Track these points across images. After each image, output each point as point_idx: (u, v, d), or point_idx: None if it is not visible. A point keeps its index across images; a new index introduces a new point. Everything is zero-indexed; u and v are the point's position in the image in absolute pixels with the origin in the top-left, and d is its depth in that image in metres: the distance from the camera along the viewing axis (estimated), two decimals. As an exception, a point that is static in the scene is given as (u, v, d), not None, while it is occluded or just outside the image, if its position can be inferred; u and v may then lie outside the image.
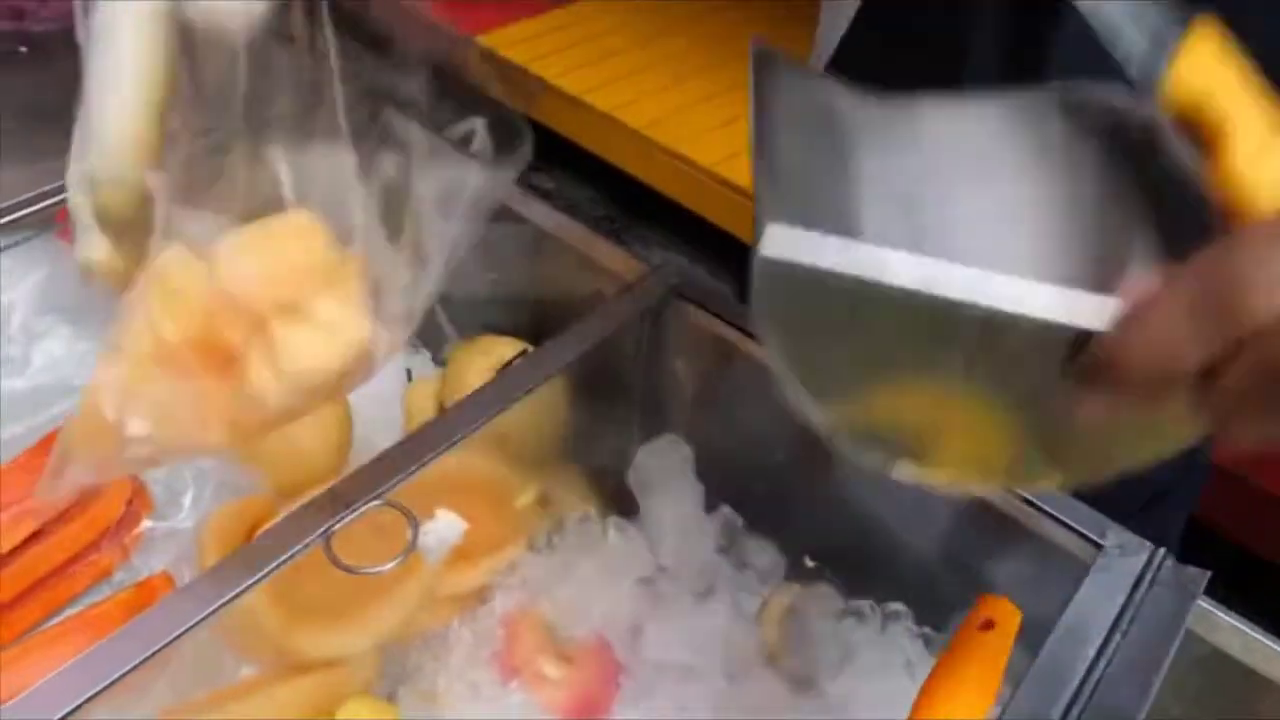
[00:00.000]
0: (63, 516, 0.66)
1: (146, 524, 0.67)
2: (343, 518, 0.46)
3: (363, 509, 0.47)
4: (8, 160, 0.77)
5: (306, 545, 0.45)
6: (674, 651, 0.64)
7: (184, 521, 0.67)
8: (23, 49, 0.80)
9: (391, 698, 0.58)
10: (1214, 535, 1.15)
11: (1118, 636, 0.46)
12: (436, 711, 0.59)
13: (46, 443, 0.67)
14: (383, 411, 0.80)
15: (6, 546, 0.62)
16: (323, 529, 0.46)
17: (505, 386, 0.55)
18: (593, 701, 0.62)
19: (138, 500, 0.68)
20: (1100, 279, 0.30)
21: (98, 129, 0.40)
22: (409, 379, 0.82)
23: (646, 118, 1.68)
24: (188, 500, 0.69)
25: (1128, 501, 0.70)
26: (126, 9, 0.39)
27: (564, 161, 1.73)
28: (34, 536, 0.64)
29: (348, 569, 0.44)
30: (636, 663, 0.64)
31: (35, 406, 0.72)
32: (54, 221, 0.82)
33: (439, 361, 0.84)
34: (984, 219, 0.34)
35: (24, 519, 0.64)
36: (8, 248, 0.76)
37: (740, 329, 0.60)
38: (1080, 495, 0.53)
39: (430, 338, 0.86)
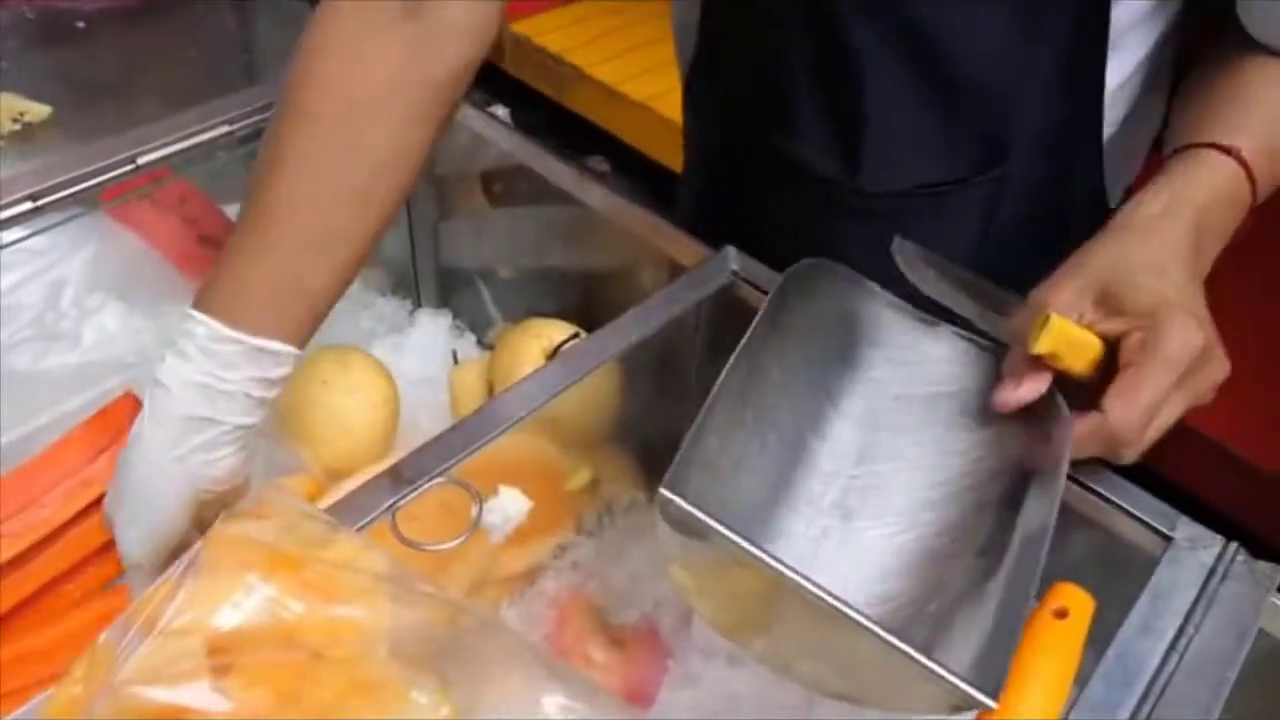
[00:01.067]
0: (111, 494, 0.66)
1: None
2: (408, 494, 0.46)
3: (427, 485, 0.46)
4: (59, 136, 0.77)
5: (372, 520, 0.45)
6: (722, 639, 0.63)
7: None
8: (79, 24, 0.81)
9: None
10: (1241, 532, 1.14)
11: (1190, 630, 0.45)
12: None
13: (99, 418, 0.67)
14: (429, 394, 0.80)
15: (63, 517, 0.62)
16: (388, 504, 0.46)
17: (563, 370, 0.54)
18: (640, 687, 0.61)
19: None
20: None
21: None
22: (455, 361, 0.82)
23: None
24: (238, 478, 0.68)
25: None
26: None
27: (608, 150, 1.73)
28: (84, 511, 0.64)
29: (412, 544, 0.44)
30: (684, 649, 0.63)
31: (87, 382, 0.72)
32: (103, 199, 0.82)
33: (484, 345, 0.84)
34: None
35: (80, 490, 0.64)
36: (59, 224, 0.76)
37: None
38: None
39: (476, 321, 0.85)
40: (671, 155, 1.65)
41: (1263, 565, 0.48)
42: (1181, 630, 0.45)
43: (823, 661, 0.43)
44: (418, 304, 0.87)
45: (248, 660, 0.35)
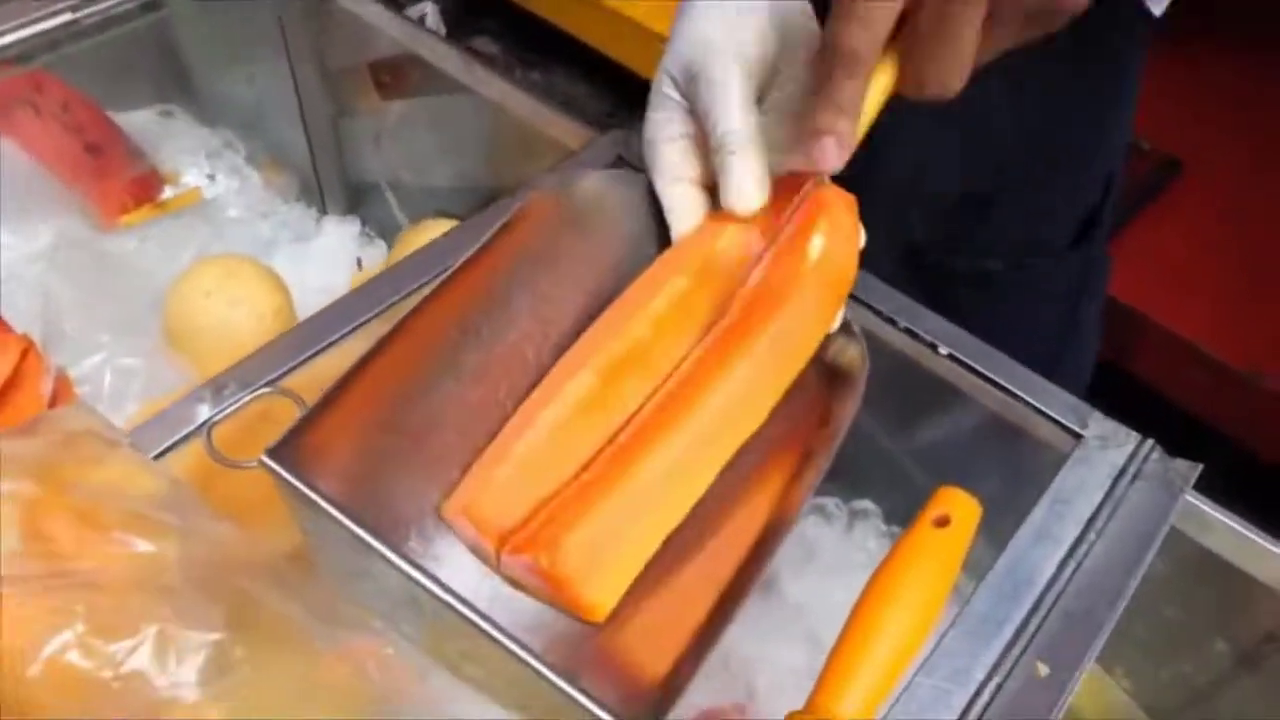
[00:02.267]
0: (-18, 413, 0.62)
1: (67, 423, 0.62)
2: (226, 408, 0.42)
3: (250, 397, 0.42)
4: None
5: (184, 439, 0.41)
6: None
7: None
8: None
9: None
10: (1215, 435, 1.10)
11: (1092, 535, 0.41)
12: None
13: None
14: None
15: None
16: (203, 421, 0.41)
17: (420, 264, 0.49)
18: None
19: (62, 399, 0.64)
20: None
21: None
22: (359, 268, 0.78)
23: (645, 7, 1.58)
24: (114, 399, 0.64)
25: (1059, 236, 0.68)
26: None
27: (563, 57, 1.64)
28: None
29: (227, 463, 0.39)
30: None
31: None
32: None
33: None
34: None
35: (-63, 413, 0.60)
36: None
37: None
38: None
39: (385, 226, 0.80)
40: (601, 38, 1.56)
41: (1180, 464, 0.44)
42: (1081, 537, 0.41)
43: (483, 668, 0.36)
44: (324, 211, 0.82)
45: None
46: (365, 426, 0.36)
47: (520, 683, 0.33)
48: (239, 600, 0.33)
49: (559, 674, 0.32)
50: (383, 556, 0.33)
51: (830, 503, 0.59)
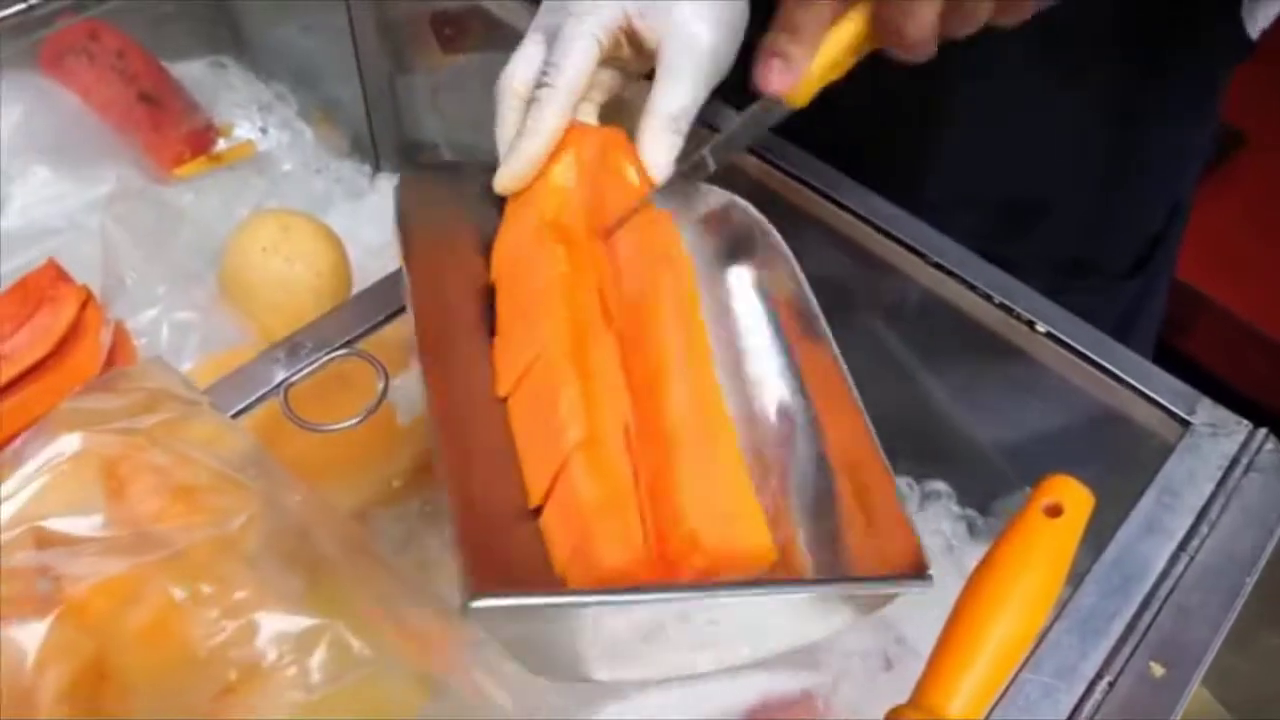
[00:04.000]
0: (41, 365, 0.61)
1: (126, 377, 0.61)
2: (302, 369, 0.40)
3: (324, 359, 0.41)
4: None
5: (260, 399, 0.40)
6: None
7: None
8: None
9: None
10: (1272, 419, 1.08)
11: (1204, 530, 0.39)
12: (434, 583, 0.54)
13: (18, 288, 0.62)
14: (387, 263, 0.73)
15: (-21, 396, 0.57)
16: (279, 381, 0.40)
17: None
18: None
19: (120, 352, 0.63)
20: None
21: None
22: (414, 229, 0.76)
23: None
24: (171, 353, 0.63)
25: (1110, 261, 0.64)
26: None
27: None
28: (9, 386, 0.60)
29: (305, 425, 0.38)
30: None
31: (9, 250, 0.67)
32: (35, 51, 0.75)
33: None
34: None
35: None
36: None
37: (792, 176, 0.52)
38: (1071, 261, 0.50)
39: (439, 186, 0.79)
40: None
41: (1296, 454, 0.42)
42: (1194, 529, 0.39)
43: (720, 643, 0.37)
44: (377, 168, 0.81)
45: (75, 559, 0.30)
46: (484, 516, 0.34)
47: (773, 621, 0.35)
48: (318, 566, 0.32)
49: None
50: (615, 604, 0.32)
51: (902, 482, 0.57)
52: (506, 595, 0.30)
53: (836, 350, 0.41)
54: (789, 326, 0.43)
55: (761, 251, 0.44)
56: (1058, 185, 0.61)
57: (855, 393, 0.39)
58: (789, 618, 0.36)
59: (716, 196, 0.46)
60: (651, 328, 0.39)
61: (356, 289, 0.69)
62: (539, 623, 0.32)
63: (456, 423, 0.36)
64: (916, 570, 0.34)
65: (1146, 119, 0.59)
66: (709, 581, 0.34)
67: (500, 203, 0.45)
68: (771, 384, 0.42)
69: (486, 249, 0.44)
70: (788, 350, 0.43)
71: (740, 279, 0.45)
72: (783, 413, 0.42)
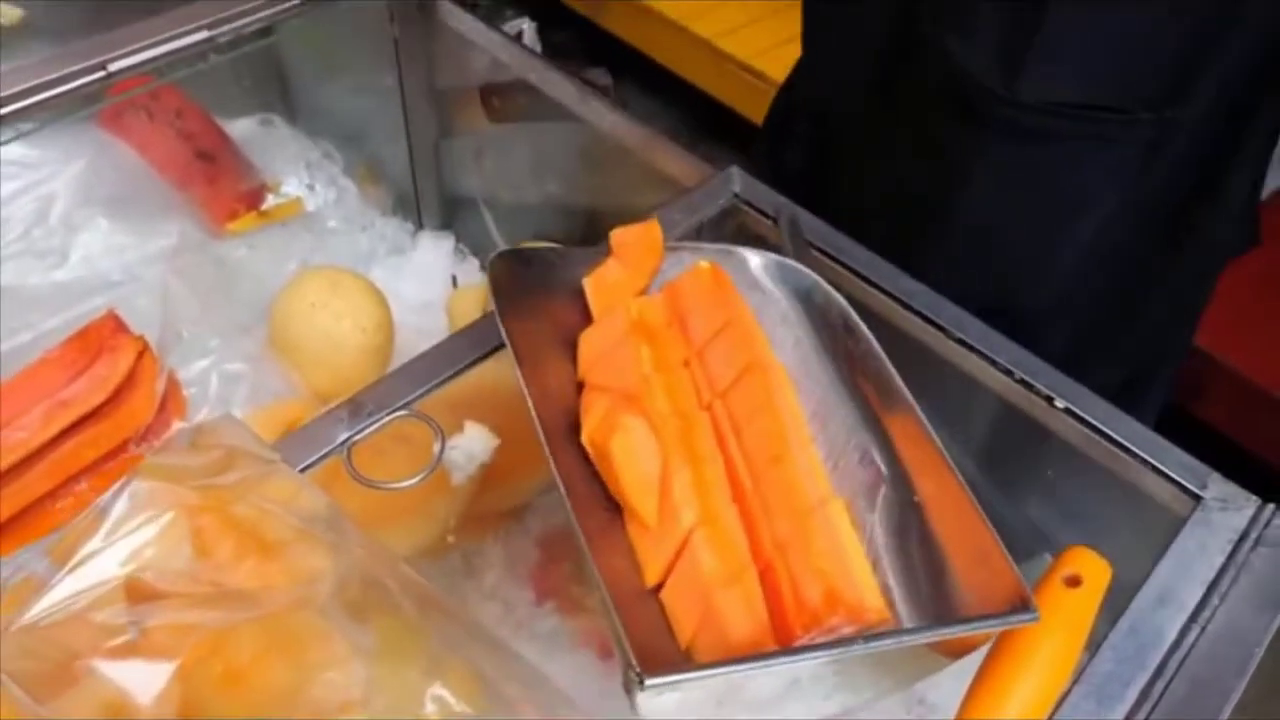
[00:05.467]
0: (97, 413, 0.64)
1: (178, 425, 0.64)
2: (364, 428, 0.43)
3: (387, 419, 0.43)
4: (31, 40, 0.74)
5: (325, 456, 0.42)
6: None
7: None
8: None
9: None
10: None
11: (1215, 601, 0.41)
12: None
13: (79, 338, 0.65)
14: (429, 319, 0.76)
15: (41, 438, 0.60)
16: (344, 439, 0.43)
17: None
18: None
19: (171, 402, 0.66)
20: None
21: None
22: (454, 286, 0.79)
23: (716, 28, 1.60)
24: (220, 403, 0.66)
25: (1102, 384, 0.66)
26: None
27: (635, 73, 1.66)
28: (67, 431, 0.63)
29: (368, 483, 0.41)
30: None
31: (71, 300, 0.70)
32: (93, 106, 0.79)
33: (486, 269, 0.80)
34: None
35: (59, 411, 0.63)
36: (39, 130, 0.73)
37: (812, 246, 0.55)
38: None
39: (479, 244, 0.82)
40: (706, 77, 1.58)
41: (1303, 530, 0.44)
42: (1205, 600, 0.41)
43: (844, 689, 0.39)
44: (419, 225, 0.84)
45: (164, 611, 0.32)
46: (628, 594, 0.37)
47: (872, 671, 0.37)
48: (391, 618, 0.34)
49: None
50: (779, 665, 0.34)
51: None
52: (675, 671, 0.32)
53: (923, 416, 0.43)
54: (875, 400, 0.45)
55: (844, 332, 0.47)
56: (1039, 303, 0.62)
57: (947, 455, 0.42)
58: (904, 661, 0.38)
59: (798, 275, 0.48)
60: (755, 410, 0.42)
61: (397, 343, 0.72)
62: (693, 691, 0.34)
63: (586, 509, 0.38)
64: (1020, 605, 0.35)
65: (1149, 281, 0.62)
66: (849, 637, 0.36)
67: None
68: (855, 445, 0.44)
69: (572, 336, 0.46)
70: (874, 417, 0.45)
71: (824, 357, 0.47)
72: (870, 473, 0.43)
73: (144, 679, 0.30)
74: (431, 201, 0.83)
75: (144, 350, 0.65)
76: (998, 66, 0.55)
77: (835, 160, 0.69)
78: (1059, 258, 0.62)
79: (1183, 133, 0.56)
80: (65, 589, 0.33)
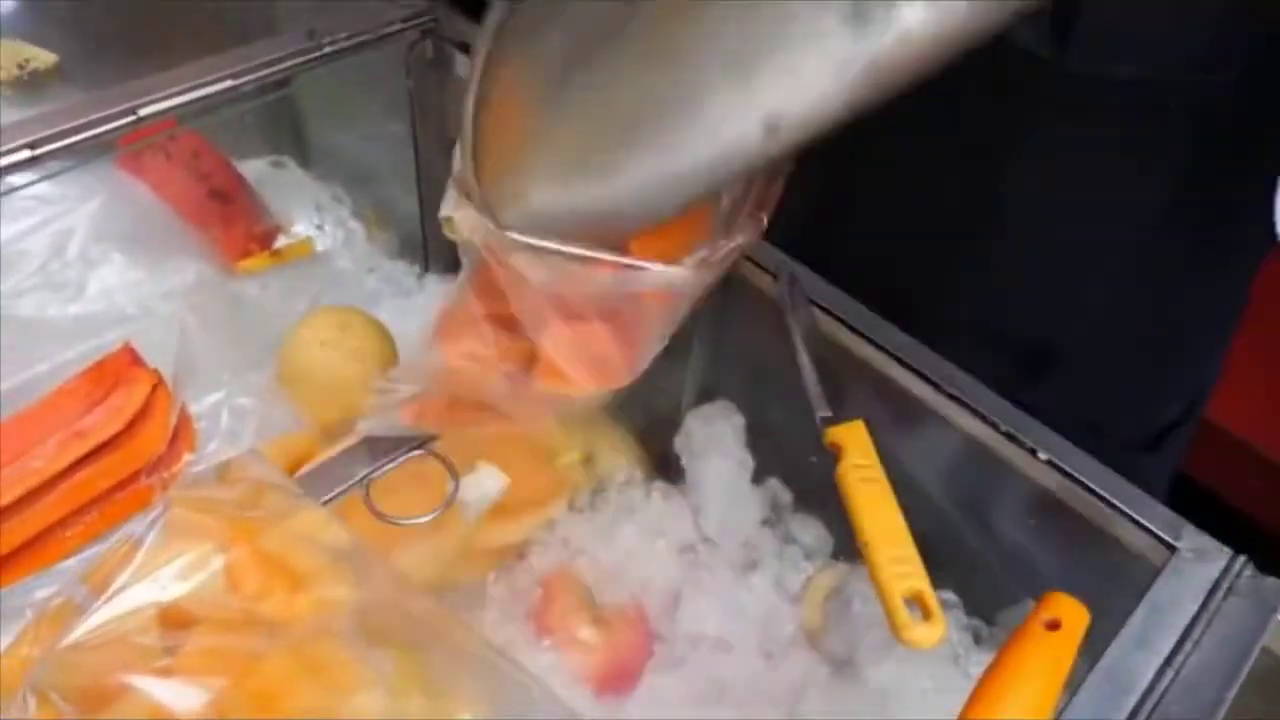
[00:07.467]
0: (111, 443, 0.66)
1: (188, 457, 0.66)
2: (383, 465, 0.45)
3: (404, 458, 0.45)
4: (65, 85, 0.76)
5: (344, 491, 0.44)
6: (710, 623, 0.62)
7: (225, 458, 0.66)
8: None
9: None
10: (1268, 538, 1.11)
11: (1188, 647, 0.43)
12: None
13: (95, 369, 0.67)
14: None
15: (57, 467, 0.62)
16: (362, 475, 0.45)
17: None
18: (624, 668, 0.60)
19: (182, 435, 0.68)
20: None
21: None
22: (460, 326, 0.81)
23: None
24: (229, 436, 0.68)
25: (1140, 435, 0.66)
26: None
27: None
28: (81, 460, 0.64)
29: (386, 519, 0.43)
30: (671, 632, 0.62)
31: (86, 332, 0.72)
32: (114, 148, 0.81)
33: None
34: None
35: (75, 441, 0.64)
36: (65, 172, 0.75)
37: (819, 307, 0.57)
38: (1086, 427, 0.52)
39: (483, 288, 0.84)
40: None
41: (1271, 582, 0.46)
42: (1179, 646, 0.43)
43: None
44: (425, 269, 0.86)
45: (197, 636, 0.34)
46: None
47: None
48: (413, 647, 0.36)
49: None
50: None
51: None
52: None
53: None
54: None
55: None
56: (1079, 336, 0.63)
57: None
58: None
59: None
60: None
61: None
62: None
63: None
64: None
65: (1181, 293, 0.61)
66: None
67: None
68: None
69: None
70: None
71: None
72: None
73: (182, 697, 0.32)
74: (439, 245, 0.85)
75: (158, 383, 0.67)
76: (1049, 39, 0.53)
77: (848, 192, 0.68)
78: (1103, 269, 0.61)
79: (1228, 104, 0.55)
80: (103, 614, 0.35)
